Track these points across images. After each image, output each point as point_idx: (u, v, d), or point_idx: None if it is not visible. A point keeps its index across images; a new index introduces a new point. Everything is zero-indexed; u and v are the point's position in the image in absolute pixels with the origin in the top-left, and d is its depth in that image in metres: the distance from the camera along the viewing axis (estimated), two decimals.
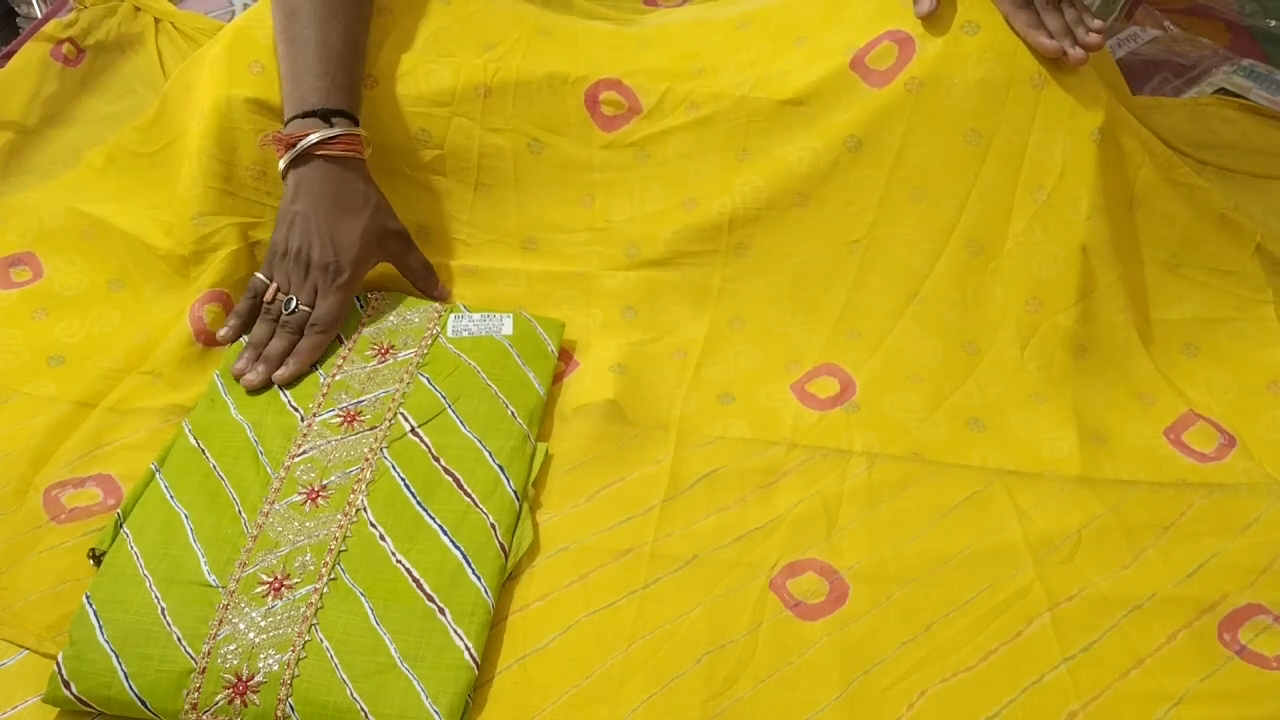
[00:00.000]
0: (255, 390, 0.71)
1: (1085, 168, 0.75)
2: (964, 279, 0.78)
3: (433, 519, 0.64)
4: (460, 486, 0.66)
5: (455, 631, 0.59)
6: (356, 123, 0.77)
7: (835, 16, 0.82)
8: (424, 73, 0.81)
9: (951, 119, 0.76)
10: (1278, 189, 0.90)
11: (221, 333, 0.75)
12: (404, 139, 0.82)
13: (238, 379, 0.72)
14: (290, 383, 0.72)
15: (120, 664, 0.56)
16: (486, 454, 0.68)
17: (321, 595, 0.60)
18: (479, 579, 0.61)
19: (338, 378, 0.72)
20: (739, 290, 0.81)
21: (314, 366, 0.73)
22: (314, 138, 0.74)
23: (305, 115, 0.75)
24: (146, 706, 0.56)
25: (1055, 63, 0.75)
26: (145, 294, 0.80)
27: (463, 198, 0.84)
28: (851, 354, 0.79)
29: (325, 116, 0.75)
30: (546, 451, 0.71)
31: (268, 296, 0.74)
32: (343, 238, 0.74)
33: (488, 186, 0.83)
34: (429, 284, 0.81)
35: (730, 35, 0.85)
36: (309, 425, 0.69)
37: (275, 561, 0.61)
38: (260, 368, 0.72)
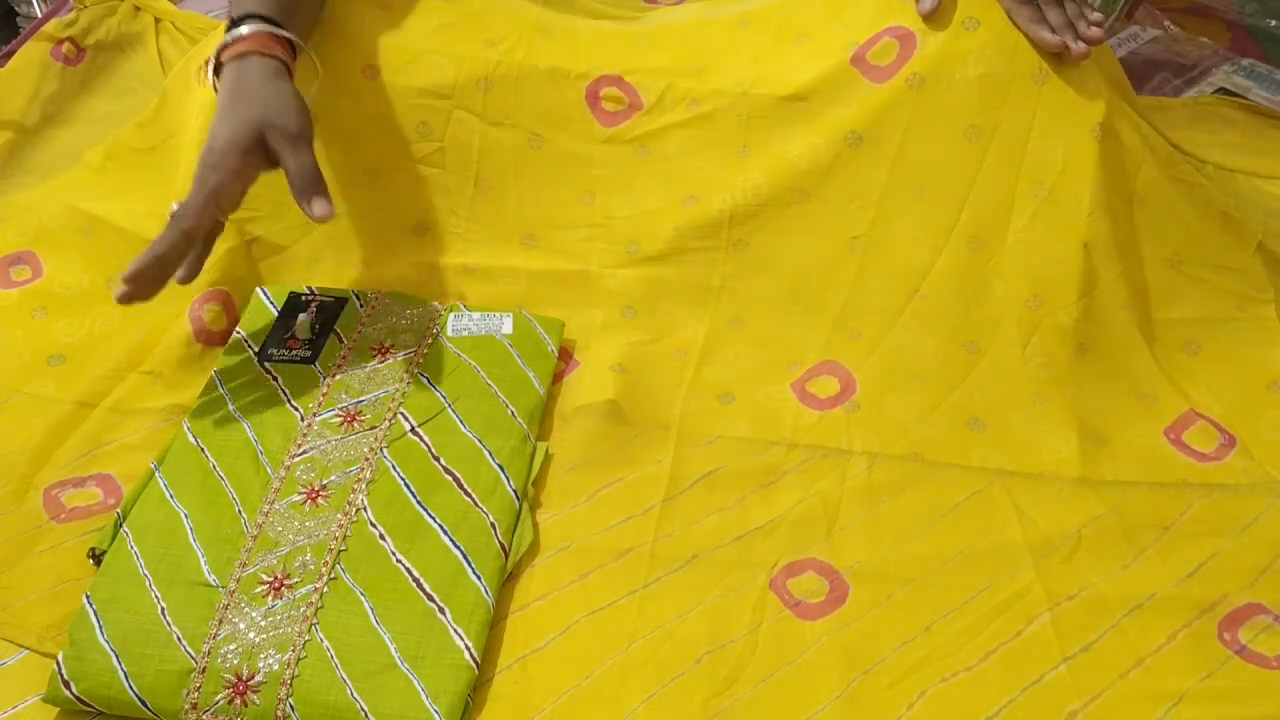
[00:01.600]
0: (124, 301, 0.65)
1: (1087, 164, 0.75)
2: (965, 276, 0.78)
3: (433, 518, 0.64)
4: (460, 486, 0.66)
5: (455, 631, 0.59)
6: (274, 23, 0.73)
7: (836, 14, 0.82)
8: (425, 64, 0.81)
9: (952, 115, 0.76)
10: (1278, 189, 0.91)
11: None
12: (404, 131, 0.82)
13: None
14: (131, 277, 0.65)
15: (120, 664, 0.56)
16: (486, 453, 0.68)
17: (321, 595, 0.60)
18: (479, 578, 0.61)
19: (338, 377, 0.72)
20: (739, 289, 0.81)
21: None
22: (221, 42, 0.71)
23: (226, 33, 0.73)
24: (146, 706, 0.56)
25: (1057, 58, 0.75)
26: None
27: (462, 192, 0.84)
28: (852, 353, 0.79)
29: (235, 23, 0.72)
30: (546, 451, 0.71)
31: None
32: (220, 128, 0.69)
33: (488, 182, 0.83)
34: (304, 194, 0.69)
35: (731, 33, 0.85)
36: (309, 425, 0.69)
37: (275, 561, 0.61)
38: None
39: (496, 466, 0.67)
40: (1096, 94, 0.75)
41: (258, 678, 0.56)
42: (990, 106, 0.76)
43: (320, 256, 0.82)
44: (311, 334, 0.75)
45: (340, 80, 0.80)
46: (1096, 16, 0.75)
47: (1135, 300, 0.77)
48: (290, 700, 0.56)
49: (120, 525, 0.63)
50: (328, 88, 0.79)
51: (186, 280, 0.70)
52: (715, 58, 0.83)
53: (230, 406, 0.70)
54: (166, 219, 0.77)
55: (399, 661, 0.57)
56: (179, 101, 0.86)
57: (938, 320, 0.78)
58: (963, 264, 0.78)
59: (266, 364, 0.73)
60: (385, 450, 0.67)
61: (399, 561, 0.62)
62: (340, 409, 0.70)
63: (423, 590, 0.60)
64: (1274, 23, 1.17)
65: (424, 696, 0.56)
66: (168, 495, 0.64)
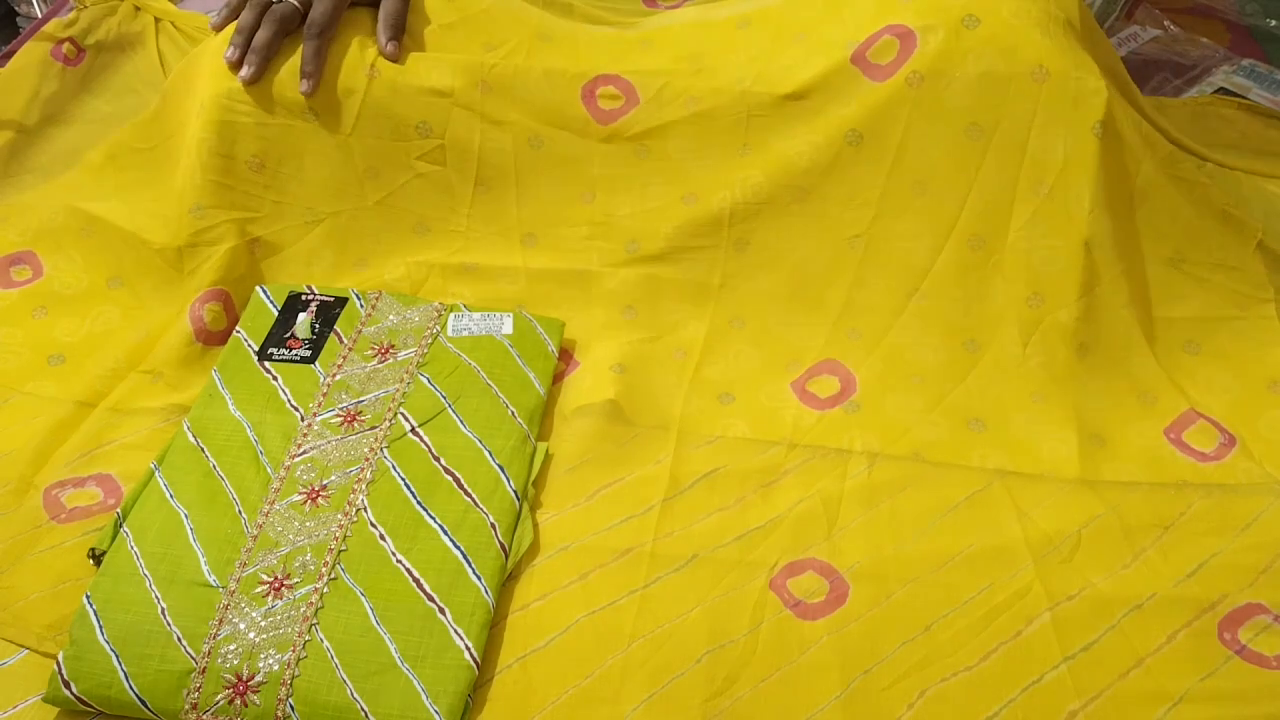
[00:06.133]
0: (249, 82, 0.76)
1: (1087, 162, 0.75)
2: (965, 274, 0.78)
3: (433, 519, 0.64)
4: (460, 486, 0.66)
5: (455, 631, 0.59)
6: None
7: (835, 13, 0.82)
8: (426, 65, 0.81)
9: (952, 113, 0.76)
10: (1278, 188, 0.90)
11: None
12: (405, 129, 0.82)
13: (232, 69, 0.75)
14: (311, 94, 0.77)
15: (120, 664, 0.56)
16: (487, 454, 0.68)
17: (322, 595, 0.60)
18: (479, 579, 0.61)
19: (338, 377, 0.72)
20: (739, 288, 0.81)
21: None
22: None
23: None
24: (147, 706, 0.56)
25: (1056, 55, 0.75)
26: (143, 291, 0.80)
27: (463, 191, 0.84)
28: (852, 352, 0.79)
29: None
30: (547, 451, 0.71)
31: None
32: None
33: (488, 181, 0.83)
34: (386, 32, 0.80)
35: (731, 35, 0.85)
36: (309, 425, 0.69)
37: (275, 561, 0.61)
38: (254, 59, 0.76)
39: (497, 467, 0.67)
40: (1096, 92, 0.75)
41: (258, 678, 0.56)
42: (990, 104, 0.76)
43: (319, 255, 0.83)
44: (311, 333, 0.75)
45: (343, 79, 0.80)
46: None
47: (1136, 299, 0.77)
48: (290, 700, 0.56)
49: (120, 525, 0.63)
50: (331, 86, 0.79)
51: (250, 79, 0.77)
52: (714, 59, 0.83)
53: (230, 406, 0.70)
54: (166, 218, 0.78)
55: (399, 661, 0.57)
56: (179, 102, 0.86)
57: (938, 319, 0.78)
58: (963, 262, 0.78)
59: (266, 363, 0.73)
60: (385, 450, 0.67)
61: (399, 562, 0.62)
62: (340, 409, 0.70)
63: (423, 590, 0.60)
64: (1274, 23, 1.17)
65: (424, 696, 0.56)
66: (168, 495, 0.64)
